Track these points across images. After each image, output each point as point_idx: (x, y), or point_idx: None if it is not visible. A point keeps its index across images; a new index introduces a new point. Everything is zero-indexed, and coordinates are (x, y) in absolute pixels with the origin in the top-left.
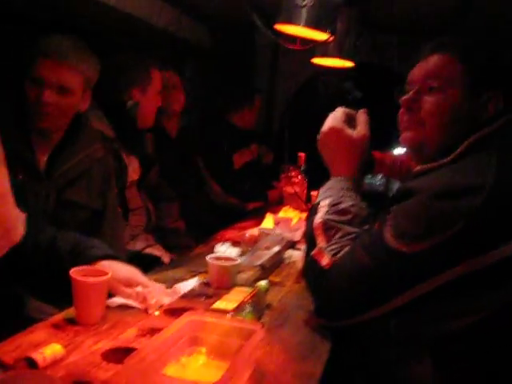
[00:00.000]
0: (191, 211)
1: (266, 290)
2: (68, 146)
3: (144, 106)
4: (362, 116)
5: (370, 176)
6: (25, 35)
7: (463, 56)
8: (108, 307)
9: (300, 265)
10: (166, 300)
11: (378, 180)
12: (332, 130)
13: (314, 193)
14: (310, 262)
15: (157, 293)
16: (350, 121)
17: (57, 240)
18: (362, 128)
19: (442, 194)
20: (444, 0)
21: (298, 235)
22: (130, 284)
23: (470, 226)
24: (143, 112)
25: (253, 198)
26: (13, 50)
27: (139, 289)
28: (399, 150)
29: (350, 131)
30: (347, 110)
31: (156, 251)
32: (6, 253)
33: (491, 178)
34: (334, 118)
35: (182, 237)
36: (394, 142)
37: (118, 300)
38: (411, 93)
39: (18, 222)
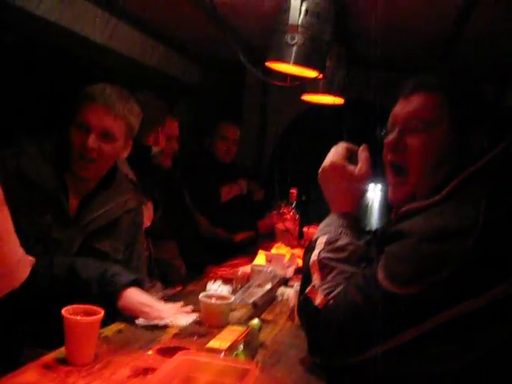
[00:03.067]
0: (183, 248)
1: (259, 329)
2: (101, 192)
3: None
4: (363, 153)
5: None
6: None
7: (448, 94)
8: (98, 346)
9: (293, 302)
10: (182, 320)
11: None
12: (333, 165)
13: (305, 229)
14: (304, 300)
15: (172, 313)
16: (351, 156)
17: (77, 267)
18: (363, 165)
19: (433, 237)
20: (434, 32)
21: (290, 272)
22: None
23: (463, 269)
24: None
25: (241, 229)
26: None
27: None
28: None
29: (351, 168)
30: (349, 145)
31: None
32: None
33: (481, 218)
34: (336, 153)
35: (175, 270)
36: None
37: (142, 321)
38: (394, 133)
39: (19, 266)
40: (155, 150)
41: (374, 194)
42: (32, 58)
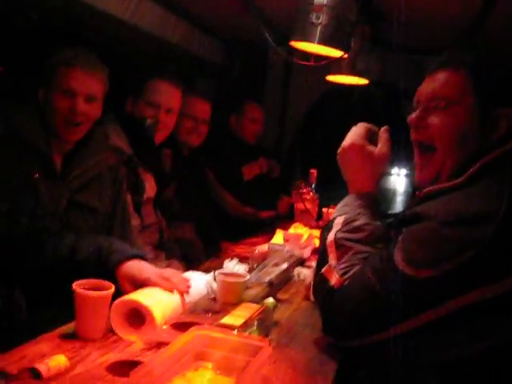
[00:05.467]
0: (202, 227)
1: (274, 308)
2: (81, 150)
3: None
4: (384, 134)
5: None
6: (37, 46)
7: (472, 70)
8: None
9: (308, 281)
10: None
11: None
12: (353, 145)
13: (325, 209)
14: (320, 280)
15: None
16: (372, 136)
17: (78, 249)
18: (383, 146)
19: (453, 221)
20: (455, 23)
21: (307, 252)
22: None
23: (481, 255)
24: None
25: (264, 208)
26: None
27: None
28: None
29: (371, 148)
30: (369, 125)
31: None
32: (24, 264)
33: (504, 205)
34: (356, 133)
35: (194, 249)
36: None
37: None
38: (418, 111)
39: None
40: (149, 121)
41: (398, 178)
42: (55, 36)
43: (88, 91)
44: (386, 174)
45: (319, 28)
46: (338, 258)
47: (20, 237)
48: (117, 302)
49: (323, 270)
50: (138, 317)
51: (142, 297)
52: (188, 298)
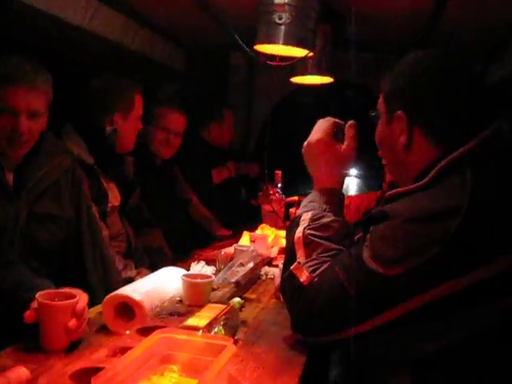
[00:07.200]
0: (171, 234)
1: (241, 307)
2: (32, 160)
3: (125, 131)
4: (350, 130)
5: None
6: None
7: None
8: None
9: (278, 280)
10: None
11: None
12: (319, 141)
13: (292, 210)
14: (289, 276)
15: None
16: (337, 132)
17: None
18: (349, 142)
19: (418, 217)
20: (417, 11)
21: (274, 252)
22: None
23: (447, 250)
24: (123, 136)
25: (228, 213)
26: None
27: None
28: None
29: (337, 145)
30: (335, 120)
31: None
32: None
33: (466, 200)
34: (321, 128)
35: (163, 257)
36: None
37: None
38: None
39: None
40: (109, 129)
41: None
42: (11, 42)
43: (30, 107)
44: (351, 169)
45: (283, 28)
46: (307, 255)
47: None
48: (107, 297)
49: (292, 267)
50: (128, 310)
51: (132, 291)
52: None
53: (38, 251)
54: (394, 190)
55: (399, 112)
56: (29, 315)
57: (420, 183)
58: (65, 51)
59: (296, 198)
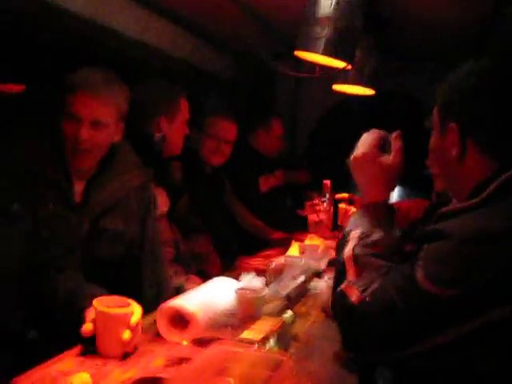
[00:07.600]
0: (219, 240)
1: (292, 321)
2: (104, 173)
3: (171, 134)
4: (396, 142)
5: None
6: (54, 68)
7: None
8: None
9: (325, 296)
10: None
11: None
12: (365, 155)
13: (342, 206)
14: (340, 296)
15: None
16: (384, 144)
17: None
18: (396, 154)
19: (474, 239)
20: (467, 24)
21: (323, 264)
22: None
23: (505, 272)
24: (170, 141)
25: (277, 222)
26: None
27: None
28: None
29: (383, 158)
30: (381, 132)
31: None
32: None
33: None
34: (367, 141)
35: (210, 263)
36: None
37: None
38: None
39: None
40: (157, 136)
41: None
42: (66, 54)
43: (93, 116)
44: (399, 181)
45: (323, 40)
46: (357, 274)
47: (33, 270)
48: (162, 307)
49: (343, 286)
50: (182, 320)
51: (187, 302)
52: (222, 303)
53: (96, 263)
54: (448, 207)
55: (452, 124)
56: (86, 330)
57: (477, 200)
58: (111, 58)
59: (346, 194)
